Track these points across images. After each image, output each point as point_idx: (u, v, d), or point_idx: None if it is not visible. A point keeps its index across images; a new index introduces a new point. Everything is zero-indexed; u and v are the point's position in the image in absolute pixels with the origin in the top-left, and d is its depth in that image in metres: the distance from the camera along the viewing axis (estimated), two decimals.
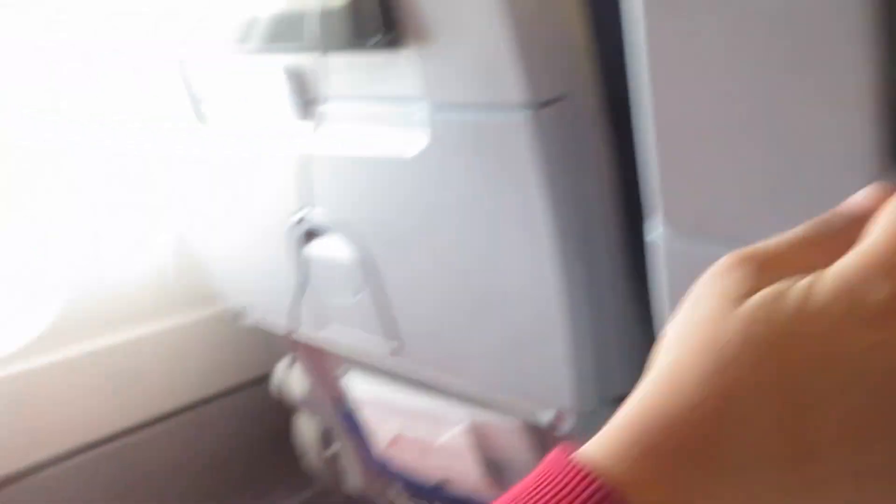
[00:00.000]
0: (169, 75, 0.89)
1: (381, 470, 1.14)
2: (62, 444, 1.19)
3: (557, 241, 0.57)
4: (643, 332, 0.66)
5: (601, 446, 0.25)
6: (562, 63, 0.53)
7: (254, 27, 0.74)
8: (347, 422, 1.15)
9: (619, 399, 0.26)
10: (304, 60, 0.73)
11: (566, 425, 0.70)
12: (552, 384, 0.68)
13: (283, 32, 0.72)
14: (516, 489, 0.25)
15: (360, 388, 0.99)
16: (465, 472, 0.90)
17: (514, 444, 0.82)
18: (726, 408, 0.24)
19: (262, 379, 1.30)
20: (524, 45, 0.50)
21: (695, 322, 0.26)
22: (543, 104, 0.52)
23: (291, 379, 1.21)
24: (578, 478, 0.24)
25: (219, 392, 1.37)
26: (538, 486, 0.24)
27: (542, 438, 0.80)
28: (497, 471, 0.88)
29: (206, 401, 1.35)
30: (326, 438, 1.29)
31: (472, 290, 0.67)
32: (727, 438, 0.24)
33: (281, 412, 1.32)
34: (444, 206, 0.63)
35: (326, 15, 0.62)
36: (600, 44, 0.53)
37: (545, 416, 0.72)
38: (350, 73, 0.69)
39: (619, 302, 0.64)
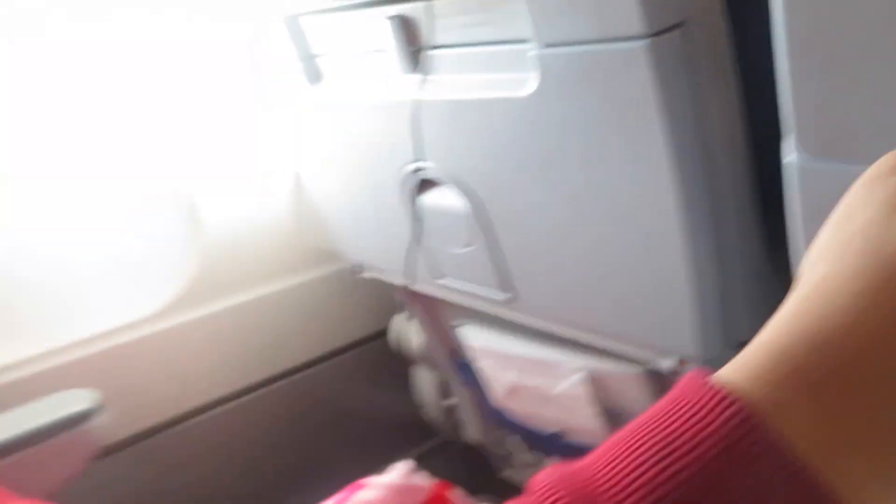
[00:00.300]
0: (278, 32, 0.90)
1: (498, 420, 1.16)
2: (198, 398, 1.27)
3: (678, 177, 0.54)
4: (771, 273, 0.63)
5: (740, 369, 0.23)
6: None
7: None
8: (464, 373, 1.17)
9: (745, 344, 0.24)
10: (411, 10, 0.73)
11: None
12: (673, 330, 0.65)
13: None
14: (650, 412, 0.24)
15: (476, 339, 1.00)
16: (582, 420, 0.89)
17: (633, 393, 0.80)
18: (886, 331, 0.21)
19: (384, 332, 1.34)
20: None
21: (850, 233, 0.23)
22: (660, 32, 0.49)
23: (409, 332, 1.24)
24: (715, 400, 0.22)
25: (343, 346, 1.42)
26: (672, 409, 0.23)
27: (663, 386, 0.78)
28: (615, 419, 0.87)
29: (331, 355, 1.41)
30: (444, 390, 1.31)
31: (588, 234, 0.66)
32: (886, 368, 0.21)
33: (401, 364, 1.35)
34: (558, 147, 0.62)
35: None
36: None
37: (666, 364, 0.70)
38: (456, 18, 0.68)
39: (745, 240, 0.61)
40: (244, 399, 1.32)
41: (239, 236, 1.27)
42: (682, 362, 0.68)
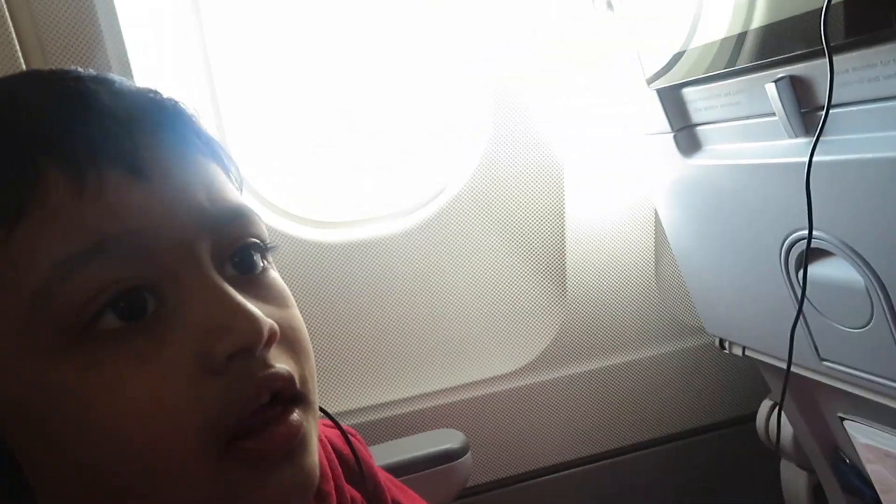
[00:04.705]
0: (646, 96, 0.91)
1: None
2: (547, 459, 1.31)
3: None
4: None
5: None
6: None
7: (741, 43, 0.73)
8: (846, 479, 1.02)
9: None
10: (802, 69, 0.69)
11: None
12: None
13: (775, 42, 0.69)
14: None
15: (867, 436, 0.86)
16: None
17: None
18: None
19: (752, 417, 1.24)
20: None
21: None
22: None
23: (778, 420, 1.13)
24: None
25: (702, 426, 1.35)
26: None
27: None
28: None
29: (688, 434, 1.34)
30: (818, 495, 1.15)
31: None
32: None
33: (768, 457, 1.23)
34: None
35: (835, 9, 0.57)
36: None
37: None
38: (859, 73, 0.62)
39: None
40: (587, 468, 1.32)
41: (601, 302, 1.29)
42: None
